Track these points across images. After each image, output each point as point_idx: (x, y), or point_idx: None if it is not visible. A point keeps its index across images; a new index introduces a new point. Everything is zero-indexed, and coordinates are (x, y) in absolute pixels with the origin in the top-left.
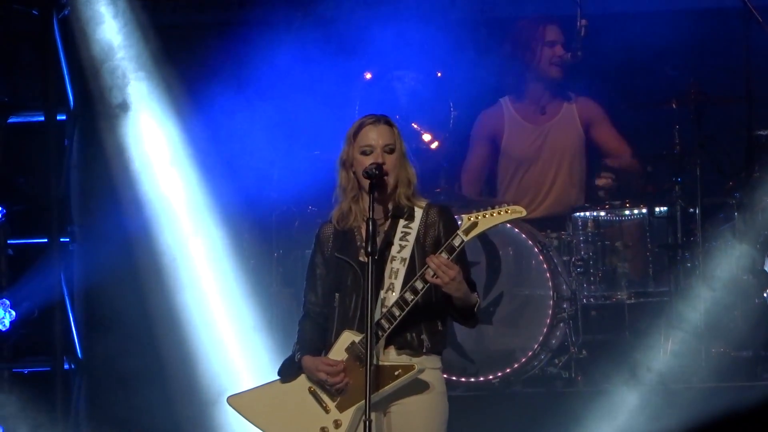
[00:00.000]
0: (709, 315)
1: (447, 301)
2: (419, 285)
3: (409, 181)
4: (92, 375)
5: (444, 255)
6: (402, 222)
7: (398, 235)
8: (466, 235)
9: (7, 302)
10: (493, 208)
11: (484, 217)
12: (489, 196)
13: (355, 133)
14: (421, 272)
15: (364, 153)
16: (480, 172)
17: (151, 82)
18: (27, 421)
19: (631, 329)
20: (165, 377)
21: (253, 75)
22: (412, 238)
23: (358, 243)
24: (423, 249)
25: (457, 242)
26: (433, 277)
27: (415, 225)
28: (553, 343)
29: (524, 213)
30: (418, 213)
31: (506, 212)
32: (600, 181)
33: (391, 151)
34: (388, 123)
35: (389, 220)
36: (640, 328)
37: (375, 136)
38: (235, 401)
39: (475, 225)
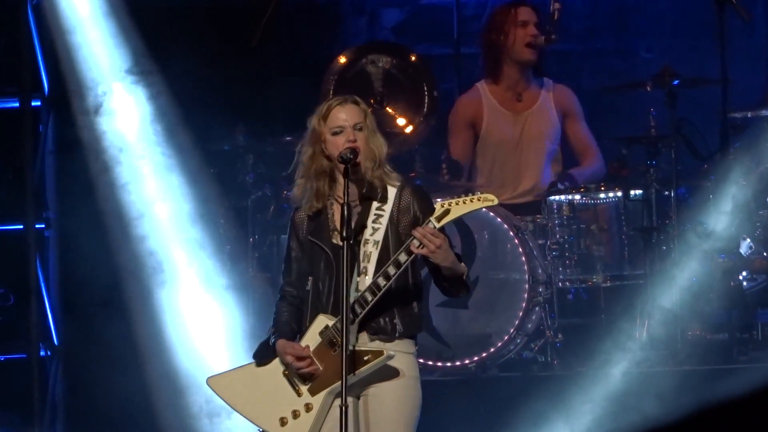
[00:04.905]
0: (685, 298)
1: (436, 274)
2: (402, 258)
3: (379, 160)
4: (68, 361)
5: (429, 228)
6: (375, 204)
7: (371, 217)
8: (439, 221)
9: None
10: (466, 195)
11: (457, 204)
12: (468, 181)
13: (325, 116)
14: (404, 245)
15: (335, 134)
16: (465, 159)
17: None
18: (3, 408)
19: (606, 313)
20: (142, 363)
21: (226, 56)
22: (385, 220)
23: (331, 226)
24: (397, 232)
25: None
26: (419, 247)
27: (388, 207)
28: (529, 327)
29: (496, 201)
30: (391, 193)
31: (478, 200)
32: None
33: (361, 129)
34: (356, 102)
35: (362, 202)
36: (616, 312)
37: (344, 116)
38: (214, 382)
39: (447, 212)
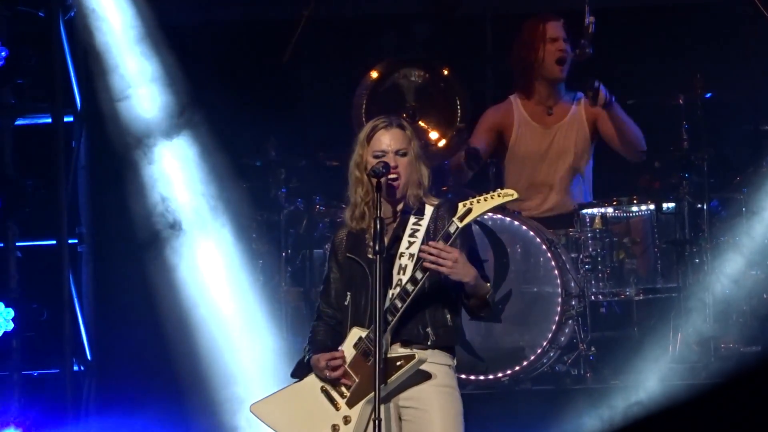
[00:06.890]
0: (718, 311)
1: (460, 291)
2: (419, 275)
3: (420, 183)
4: (102, 376)
5: (440, 243)
6: (412, 219)
7: (408, 231)
8: (461, 221)
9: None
10: (487, 193)
11: (478, 202)
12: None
13: (369, 137)
14: (420, 261)
15: (377, 157)
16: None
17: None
18: (37, 424)
19: (639, 326)
20: (175, 378)
21: (258, 74)
22: (421, 234)
23: (367, 241)
24: None
25: (452, 229)
26: (433, 264)
27: (425, 222)
28: (562, 340)
29: (515, 195)
30: (429, 210)
31: (498, 196)
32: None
33: (404, 155)
34: (401, 126)
35: (399, 217)
36: (649, 325)
37: (388, 140)
38: (257, 409)
39: (469, 211)
